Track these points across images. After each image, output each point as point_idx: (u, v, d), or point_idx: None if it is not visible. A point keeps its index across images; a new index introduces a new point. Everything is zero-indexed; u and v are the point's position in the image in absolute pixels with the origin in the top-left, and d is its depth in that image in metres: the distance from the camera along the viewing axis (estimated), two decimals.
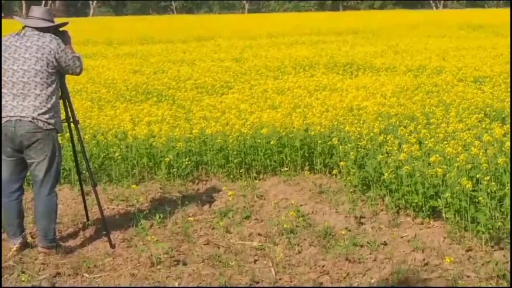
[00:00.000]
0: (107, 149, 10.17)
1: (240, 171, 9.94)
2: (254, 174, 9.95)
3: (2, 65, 6.80)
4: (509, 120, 10.76)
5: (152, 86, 16.36)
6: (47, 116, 6.73)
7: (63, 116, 7.26)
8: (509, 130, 8.93)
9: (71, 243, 7.39)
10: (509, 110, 11.26)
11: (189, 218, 7.94)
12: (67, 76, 7.20)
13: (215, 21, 61.52)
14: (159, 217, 7.87)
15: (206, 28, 46.48)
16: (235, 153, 9.99)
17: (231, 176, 9.94)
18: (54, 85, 6.81)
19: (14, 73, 6.72)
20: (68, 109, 7.27)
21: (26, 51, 6.73)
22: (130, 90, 15.64)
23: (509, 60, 18.45)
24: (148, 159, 10.06)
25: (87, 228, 7.82)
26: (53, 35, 6.85)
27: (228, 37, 36.57)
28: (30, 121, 6.67)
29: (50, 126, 6.77)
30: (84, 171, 8.78)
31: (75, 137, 7.56)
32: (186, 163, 9.82)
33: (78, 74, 7.12)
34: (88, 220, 7.96)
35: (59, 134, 7.09)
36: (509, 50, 21.66)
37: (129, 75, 18.84)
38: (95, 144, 10.25)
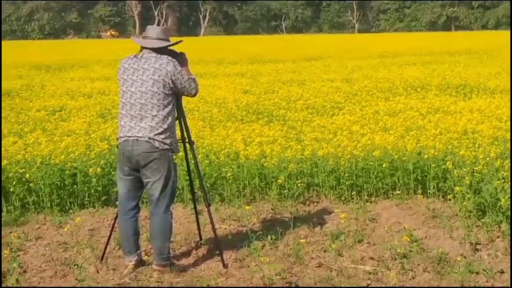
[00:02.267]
0: (219, 168, 10.26)
1: (352, 193, 9.88)
2: (366, 197, 9.87)
3: (121, 87, 6.98)
4: None
5: (263, 106, 16.47)
6: (163, 136, 6.85)
7: (179, 136, 7.37)
8: None
9: (184, 262, 7.48)
10: None
11: (301, 240, 7.91)
12: (183, 96, 7.31)
13: (325, 41, 61.60)
14: (271, 238, 7.88)
15: (315, 48, 46.63)
16: (346, 175, 9.94)
17: (343, 198, 9.89)
18: (170, 106, 6.93)
19: (132, 95, 6.87)
20: (184, 129, 7.37)
21: (143, 73, 6.87)
22: (241, 110, 15.79)
23: None
24: (259, 179, 10.12)
25: (200, 247, 7.90)
26: (170, 57, 6.97)
27: (338, 57, 36.57)
28: (147, 141, 6.82)
29: (166, 146, 6.89)
30: (197, 191, 8.88)
31: (190, 156, 7.65)
32: (298, 184, 9.83)
33: (194, 95, 7.22)
34: (201, 239, 8.05)
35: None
36: None
37: (240, 94, 19.03)
38: (208, 163, 10.36)
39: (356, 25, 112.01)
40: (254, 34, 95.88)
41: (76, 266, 7.25)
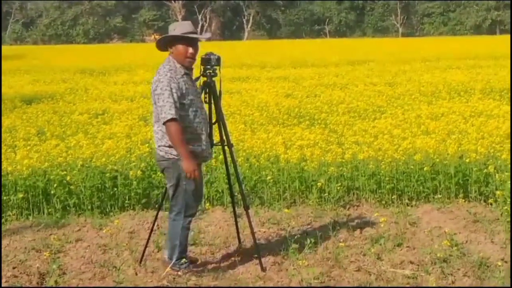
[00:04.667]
0: (259, 172, 10.25)
1: (392, 197, 9.82)
2: (406, 201, 9.80)
3: None
4: None
5: (305, 109, 16.43)
6: (168, 146, 6.88)
7: (216, 139, 7.36)
8: None
9: (222, 265, 7.47)
10: None
11: (340, 244, 7.86)
12: (222, 99, 7.31)
13: (368, 45, 61.33)
14: (310, 242, 7.82)
15: (359, 51, 46.47)
16: (387, 178, 9.88)
17: (383, 202, 9.83)
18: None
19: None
20: (223, 132, 7.36)
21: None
22: (282, 114, 15.76)
23: None
24: (299, 183, 10.08)
25: (238, 250, 7.89)
26: (166, 71, 6.84)
27: (381, 61, 36.35)
28: (156, 151, 7.03)
29: (173, 156, 6.88)
30: (236, 194, 8.86)
31: (229, 160, 7.63)
32: (338, 188, 9.78)
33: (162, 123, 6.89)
34: (240, 242, 8.03)
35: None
36: None
37: (282, 98, 19.02)
38: (248, 167, 10.36)
39: (400, 29, 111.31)
40: (297, 38, 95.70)
41: (114, 268, 7.28)
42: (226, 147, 7.45)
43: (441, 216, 9.06)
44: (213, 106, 7.26)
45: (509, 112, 14.13)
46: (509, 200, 8.55)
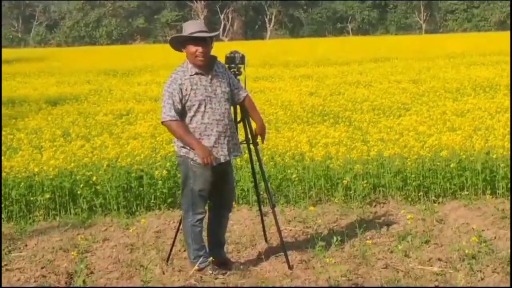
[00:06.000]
0: (284, 170, 10.23)
1: (419, 194, 9.77)
2: (433, 198, 9.74)
3: None
4: None
5: (329, 108, 16.40)
6: (178, 144, 6.96)
7: (242, 137, 7.35)
8: None
9: (249, 263, 7.46)
10: None
11: (367, 241, 7.82)
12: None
13: (392, 42, 61.04)
14: (337, 240, 7.78)
15: (382, 49, 46.26)
16: (413, 175, 9.83)
17: (409, 199, 9.78)
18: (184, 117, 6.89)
19: None
20: (248, 131, 7.34)
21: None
22: (306, 112, 15.74)
23: None
24: (325, 180, 10.05)
25: (265, 248, 7.87)
26: (175, 72, 6.95)
27: (405, 58, 36.15)
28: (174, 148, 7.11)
29: (182, 154, 6.93)
30: (262, 192, 8.84)
31: (254, 158, 7.62)
32: (364, 185, 9.74)
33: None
34: (266, 240, 8.02)
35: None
36: None
37: (305, 97, 18.99)
38: (273, 165, 10.34)
39: (424, 26, 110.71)
40: (320, 37, 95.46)
41: (142, 268, 7.28)
42: (251, 146, 7.43)
43: (469, 212, 9.00)
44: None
45: None
46: None
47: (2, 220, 9.41)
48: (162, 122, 6.90)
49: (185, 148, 6.89)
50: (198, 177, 6.92)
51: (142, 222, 8.68)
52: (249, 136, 7.36)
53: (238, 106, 7.26)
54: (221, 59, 7.13)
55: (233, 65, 7.20)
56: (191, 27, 6.90)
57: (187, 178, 6.96)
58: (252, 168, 7.74)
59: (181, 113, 6.83)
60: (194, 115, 6.86)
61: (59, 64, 43.24)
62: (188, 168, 6.92)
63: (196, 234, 7.07)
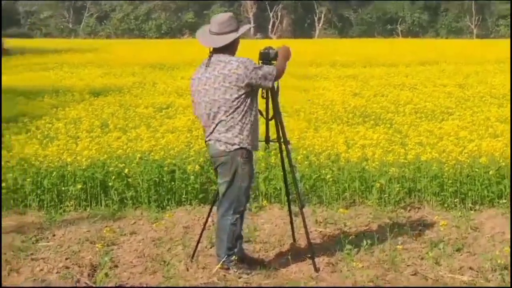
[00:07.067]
0: (319, 170, 10.08)
1: (455, 200, 9.54)
2: (470, 205, 9.51)
3: (196, 99, 6.89)
4: None
5: (371, 109, 16.22)
6: (229, 135, 6.73)
7: (273, 136, 7.23)
8: None
9: (275, 263, 7.33)
10: None
11: (398, 246, 7.63)
12: (280, 94, 7.16)
13: (441, 46, 60.34)
14: (367, 243, 7.61)
15: (431, 52, 45.72)
16: (450, 181, 9.61)
17: (445, 205, 9.56)
18: (243, 107, 6.74)
19: (207, 105, 6.77)
20: (280, 129, 7.21)
21: (215, 81, 6.73)
22: (347, 112, 15.57)
23: None
24: (360, 182, 9.88)
25: (293, 249, 7.73)
26: (240, 59, 6.74)
27: (453, 62, 35.70)
28: (214, 145, 6.81)
29: (234, 148, 6.74)
30: (293, 192, 8.70)
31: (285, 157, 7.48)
32: (398, 189, 9.55)
33: (270, 87, 6.98)
34: (294, 241, 7.88)
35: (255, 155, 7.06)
36: None
37: (349, 97, 18.82)
38: (308, 165, 10.19)
39: (475, 31, 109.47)
40: (369, 38, 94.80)
41: (166, 263, 7.18)
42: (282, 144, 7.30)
43: (506, 221, 8.75)
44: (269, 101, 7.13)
45: None
46: None
47: (31, 208, 9.47)
48: (276, 77, 6.87)
49: (237, 137, 6.71)
50: (246, 174, 6.82)
51: (168, 216, 8.60)
52: (281, 134, 7.22)
53: (270, 103, 7.12)
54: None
55: (266, 61, 7.07)
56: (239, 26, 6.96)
57: (235, 176, 6.80)
58: (283, 167, 7.61)
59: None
60: (256, 101, 6.90)
61: (107, 55, 43.47)
62: (237, 165, 6.77)
63: (232, 233, 6.95)
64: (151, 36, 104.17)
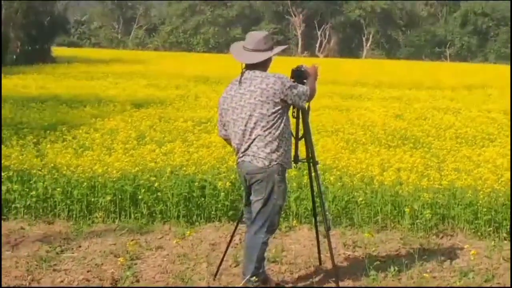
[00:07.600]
0: (351, 192, 9.94)
1: (489, 229, 9.32)
2: (504, 234, 9.28)
3: (230, 115, 6.79)
4: None
5: (411, 132, 16.01)
6: (268, 150, 6.61)
7: (302, 155, 7.12)
8: None
9: (299, 285, 7.21)
10: None
11: (425, 274, 7.45)
12: (310, 113, 7.06)
13: (489, 71, 59.71)
14: (394, 269, 7.48)
15: (478, 76, 45.20)
16: (485, 209, 9.40)
17: (479, 234, 9.34)
18: (279, 123, 6.65)
19: (243, 121, 6.68)
20: (309, 149, 7.10)
21: (251, 96, 6.65)
22: (387, 134, 15.38)
23: None
24: (392, 206, 9.72)
25: (318, 272, 7.60)
26: (277, 75, 6.68)
27: (501, 87, 35.23)
28: (251, 161, 6.65)
29: (273, 163, 6.62)
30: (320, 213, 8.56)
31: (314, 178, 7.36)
32: (431, 214, 9.36)
33: (303, 107, 6.93)
34: (320, 264, 7.75)
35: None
36: None
37: (390, 119, 18.61)
38: (340, 186, 10.06)
39: None
40: (416, 60, 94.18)
41: (189, 280, 7.10)
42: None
43: None
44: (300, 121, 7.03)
45: None
46: None
47: (60, 218, 9.48)
48: (310, 97, 6.88)
49: (274, 153, 6.61)
50: (281, 191, 6.73)
51: (187, 234, 8.54)
52: (310, 154, 7.11)
53: (300, 122, 7.02)
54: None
55: (299, 80, 6.96)
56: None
57: (271, 194, 6.69)
58: (311, 187, 7.49)
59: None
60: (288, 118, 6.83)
61: (154, 67, 43.74)
62: (274, 183, 6.67)
63: (262, 252, 6.84)
64: (199, 50, 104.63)
